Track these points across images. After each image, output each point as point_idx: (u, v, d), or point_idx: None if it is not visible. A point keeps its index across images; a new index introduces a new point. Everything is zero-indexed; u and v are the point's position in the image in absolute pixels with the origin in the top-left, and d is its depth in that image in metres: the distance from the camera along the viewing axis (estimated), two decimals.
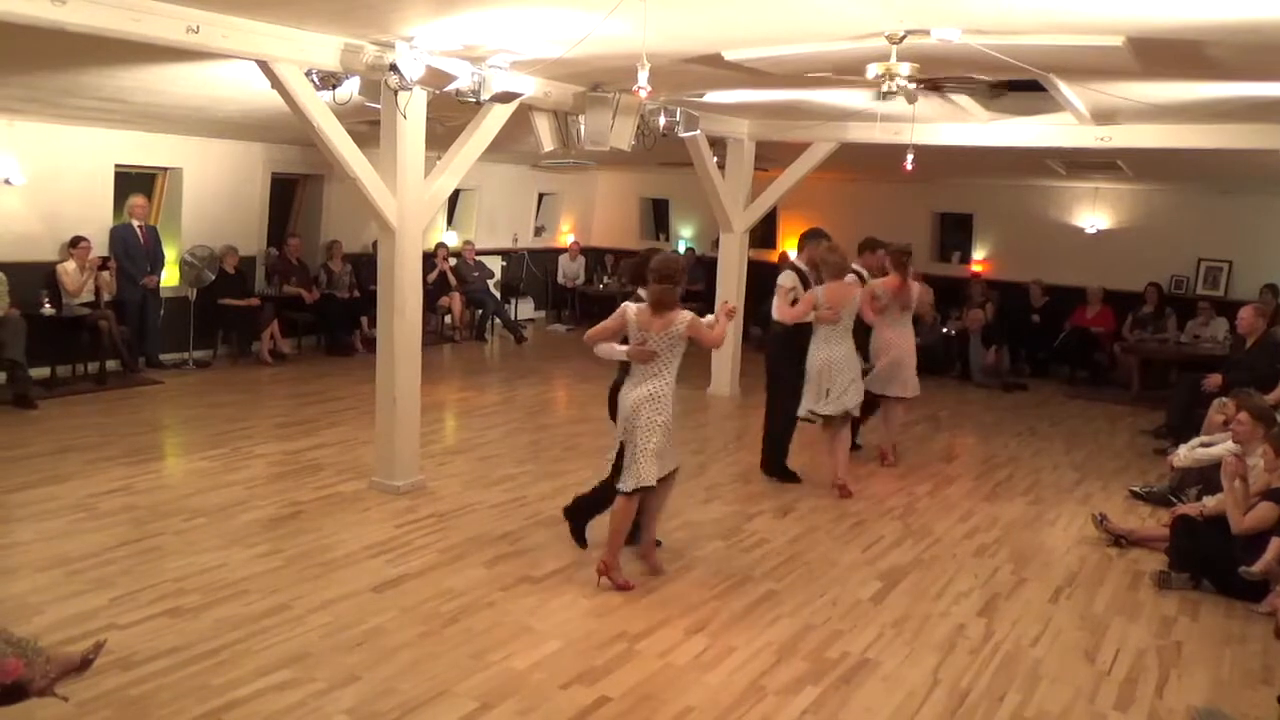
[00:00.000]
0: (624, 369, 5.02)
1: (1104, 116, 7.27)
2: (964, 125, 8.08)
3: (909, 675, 4.13)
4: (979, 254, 12.81)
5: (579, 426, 8.20)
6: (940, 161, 9.41)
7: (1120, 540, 5.84)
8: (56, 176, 8.73)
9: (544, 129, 7.29)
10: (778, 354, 6.79)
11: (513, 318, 13.14)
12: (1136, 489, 6.93)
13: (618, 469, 4.92)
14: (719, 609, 4.70)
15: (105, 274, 8.97)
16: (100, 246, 9.06)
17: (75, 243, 8.71)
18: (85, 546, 5.05)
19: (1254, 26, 4.13)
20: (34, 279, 8.52)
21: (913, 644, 4.43)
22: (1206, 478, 6.15)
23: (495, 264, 13.38)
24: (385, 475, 6.21)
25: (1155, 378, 10.56)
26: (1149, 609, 4.96)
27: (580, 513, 5.36)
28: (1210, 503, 5.66)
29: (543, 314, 14.71)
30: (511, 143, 7.75)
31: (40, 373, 8.46)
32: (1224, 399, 6.68)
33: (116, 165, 9.25)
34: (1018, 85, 6.49)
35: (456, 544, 5.38)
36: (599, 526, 5.21)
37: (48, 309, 8.51)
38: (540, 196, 14.63)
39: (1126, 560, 5.64)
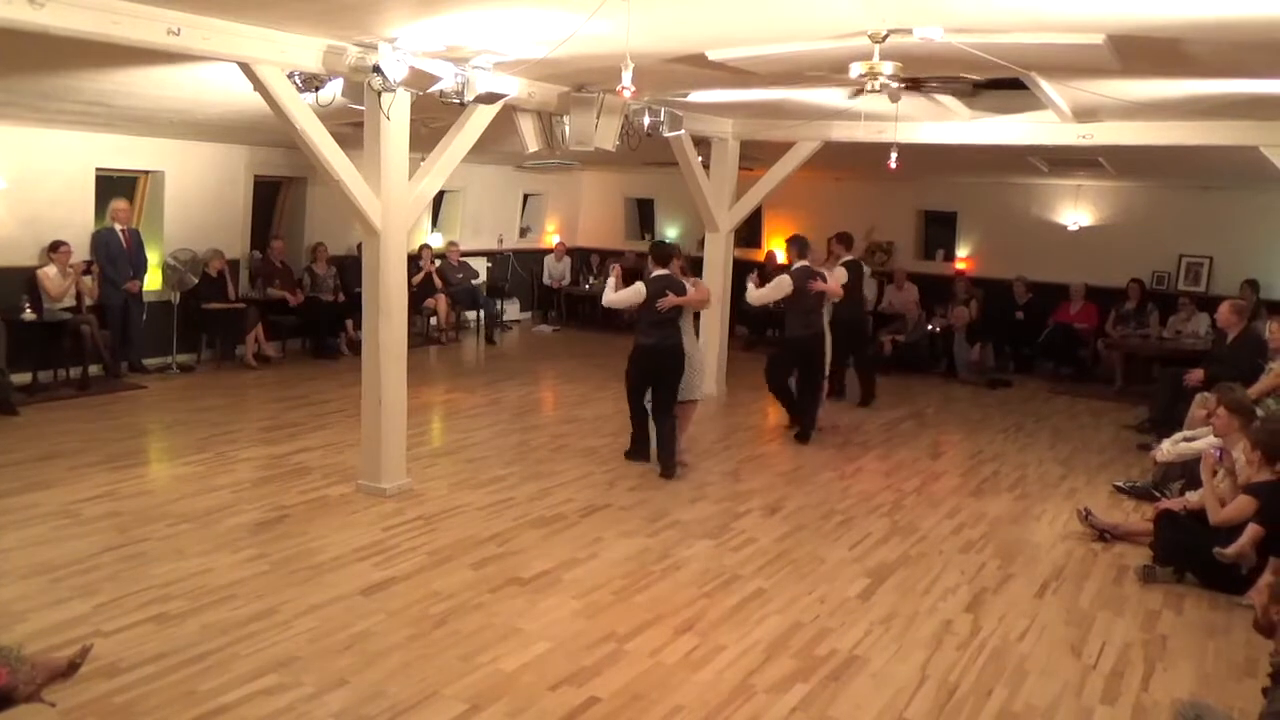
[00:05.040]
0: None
1: (1085, 114, 7.32)
2: (947, 124, 8.12)
3: (897, 671, 4.15)
4: (963, 251, 12.87)
5: (566, 427, 8.19)
6: (924, 159, 9.45)
7: (1105, 535, 5.87)
8: (37, 180, 8.65)
9: (528, 130, 7.28)
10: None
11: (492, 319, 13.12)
12: (1120, 484, 6.97)
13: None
14: (708, 608, 4.71)
15: (87, 278, 8.90)
16: (82, 250, 8.98)
17: (56, 247, 8.63)
18: (69, 553, 5.02)
19: (1231, 24, 4.17)
20: (14, 283, 8.45)
21: (900, 640, 4.45)
22: (1190, 472, 6.20)
23: (480, 265, 13.35)
24: (372, 478, 6.19)
25: (1138, 373, 10.62)
26: (1134, 603, 4.99)
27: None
28: (1193, 497, 5.70)
29: (529, 315, 14.69)
30: (496, 144, 7.74)
31: (21, 378, 8.38)
32: (1206, 393, 6.73)
33: (98, 169, 9.17)
34: (1000, 83, 6.52)
35: (444, 546, 5.37)
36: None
37: (28, 314, 8.43)
38: (525, 197, 14.61)
39: (1111, 555, 5.68)
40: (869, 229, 12.95)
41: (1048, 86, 6.32)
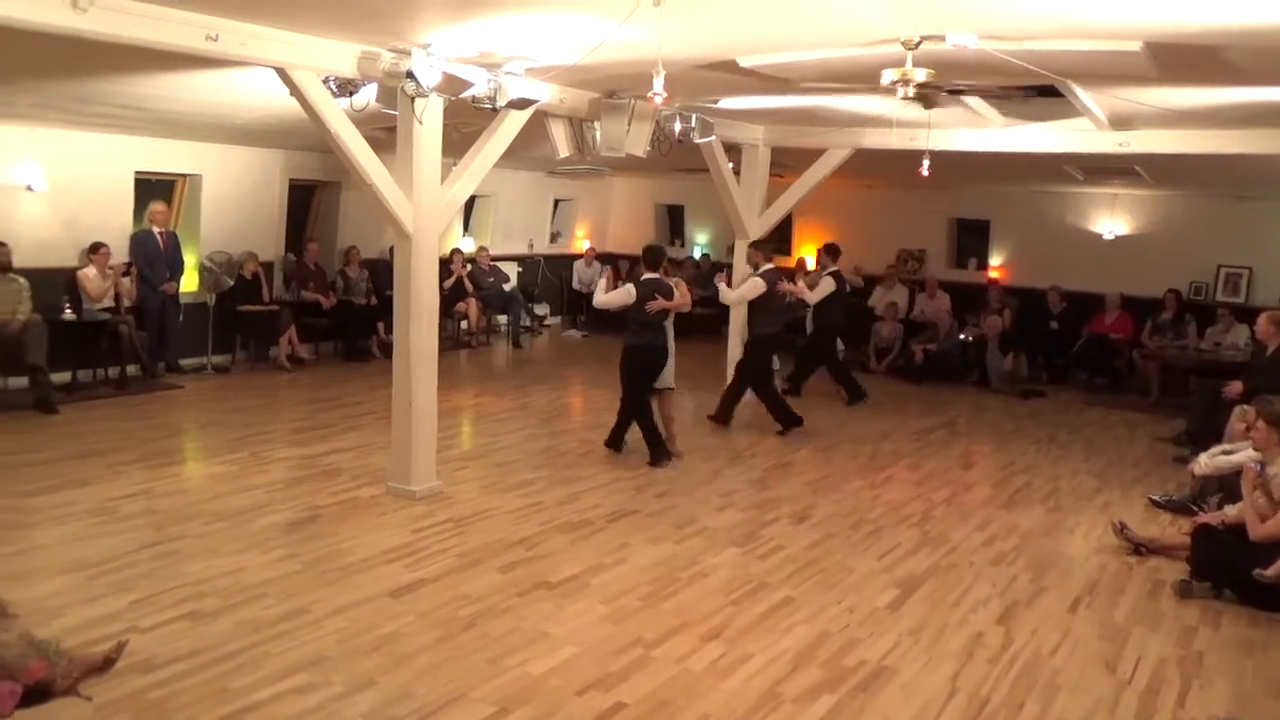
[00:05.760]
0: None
1: (1122, 122, 7.23)
2: (980, 131, 8.05)
3: (927, 684, 4.10)
4: (996, 260, 12.75)
5: (594, 433, 8.17)
6: (957, 167, 9.38)
7: (1140, 549, 5.78)
8: (78, 183, 8.80)
9: (559, 135, 7.31)
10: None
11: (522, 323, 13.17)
12: (1156, 497, 6.87)
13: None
14: (735, 615, 4.69)
15: (126, 280, 9.03)
16: (120, 252, 9.12)
17: (95, 249, 8.77)
18: (106, 550, 5.09)
19: (1271, 31, 4.10)
20: (56, 284, 8.59)
21: (930, 652, 4.40)
22: (1228, 486, 6.09)
23: (511, 270, 13.41)
24: (402, 480, 6.23)
25: (1175, 385, 10.41)
26: (1170, 618, 4.91)
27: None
28: (1232, 511, 5.59)
29: (558, 320, 14.72)
30: (527, 149, 7.77)
31: (61, 377, 8.51)
32: (1245, 406, 6.60)
33: (136, 172, 9.31)
34: (1035, 90, 6.46)
35: (473, 549, 5.38)
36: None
37: (69, 314, 8.58)
38: (556, 202, 14.66)
39: (1147, 569, 5.59)
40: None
41: (1084, 94, 6.24)
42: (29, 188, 8.48)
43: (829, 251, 9.95)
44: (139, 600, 4.49)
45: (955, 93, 5.92)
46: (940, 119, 7.47)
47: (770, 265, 8.50)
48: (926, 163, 6.82)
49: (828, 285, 9.55)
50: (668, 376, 7.49)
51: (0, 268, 7.96)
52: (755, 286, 8.31)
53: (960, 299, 12.06)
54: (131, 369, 9.01)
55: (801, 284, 9.57)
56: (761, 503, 6.52)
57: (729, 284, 8.69)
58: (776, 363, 9.04)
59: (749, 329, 8.77)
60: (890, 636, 4.54)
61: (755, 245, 8.77)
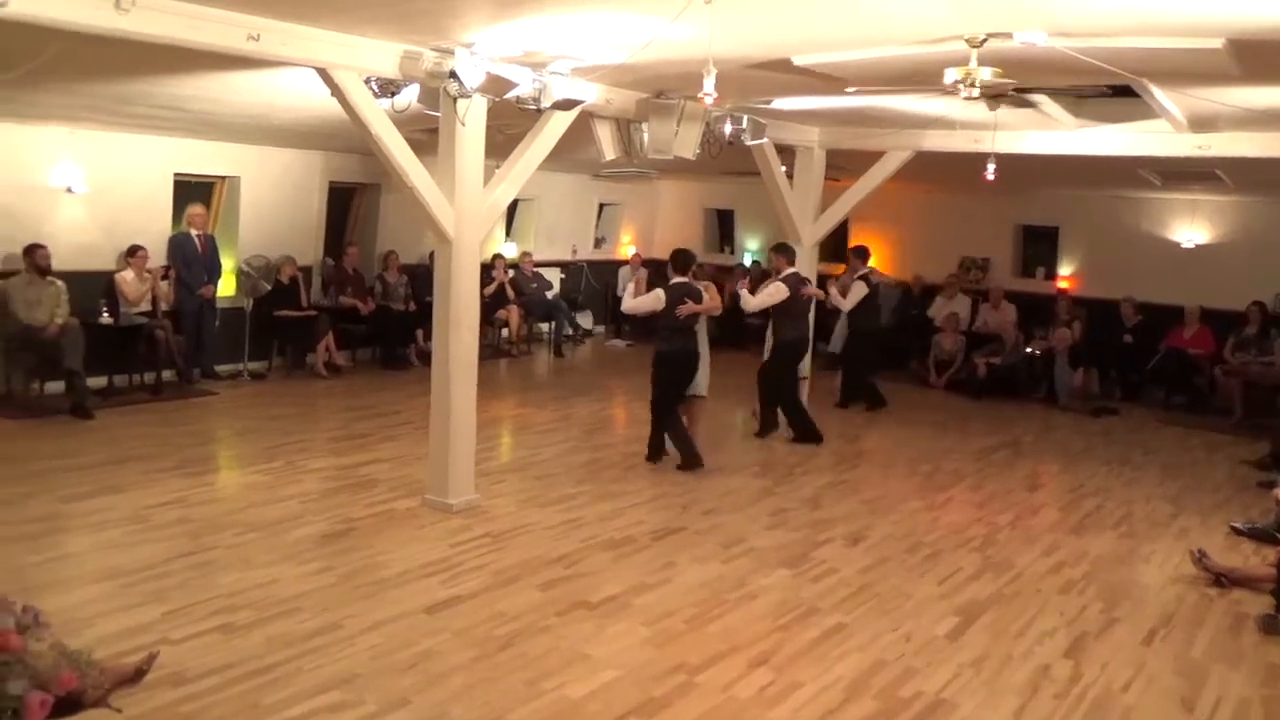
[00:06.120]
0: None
1: (1202, 123, 6.89)
2: (1049, 133, 7.74)
3: (988, 719, 3.90)
4: (1065, 269, 12.31)
5: (638, 445, 7.95)
6: (1023, 171, 9.08)
7: (1221, 579, 5.48)
8: (117, 185, 8.80)
9: (605, 137, 7.19)
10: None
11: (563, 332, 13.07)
12: (1238, 525, 6.52)
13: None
14: (784, 641, 4.53)
15: (164, 283, 9.02)
16: (158, 255, 9.11)
17: (133, 251, 8.76)
18: (139, 559, 5.06)
19: None
20: (93, 288, 8.59)
21: (992, 685, 4.20)
22: None
23: (554, 276, 13.28)
24: (439, 493, 6.12)
25: (1259, 404, 9.91)
26: (1253, 655, 4.64)
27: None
28: None
29: (602, 329, 14.55)
30: (572, 151, 7.67)
31: (97, 382, 8.50)
32: None
33: (175, 174, 9.30)
34: (1109, 90, 6.17)
35: (511, 565, 5.27)
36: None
37: (105, 318, 8.54)
38: (601, 206, 14.51)
39: (1228, 601, 5.29)
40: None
41: (1160, 94, 5.97)
42: (69, 189, 8.49)
43: (858, 254, 9.83)
44: (171, 611, 4.46)
45: (1023, 92, 5.66)
46: (1007, 120, 7.22)
47: (792, 270, 8.34)
48: (992, 167, 6.54)
49: (860, 290, 9.43)
50: (700, 384, 7.39)
51: (39, 270, 7.96)
52: (778, 292, 8.14)
53: (1026, 310, 11.62)
54: (167, 374, 8.99)
55: (834, 291, 9.42)
56: (813, 523, 6.30)
57: (751, 291, 8.50)
58: (805, 370, 8.86)
59: (772, 335, 8.58)
60: (949, 667, 4.35)
61: (776, 250, 8.59)
